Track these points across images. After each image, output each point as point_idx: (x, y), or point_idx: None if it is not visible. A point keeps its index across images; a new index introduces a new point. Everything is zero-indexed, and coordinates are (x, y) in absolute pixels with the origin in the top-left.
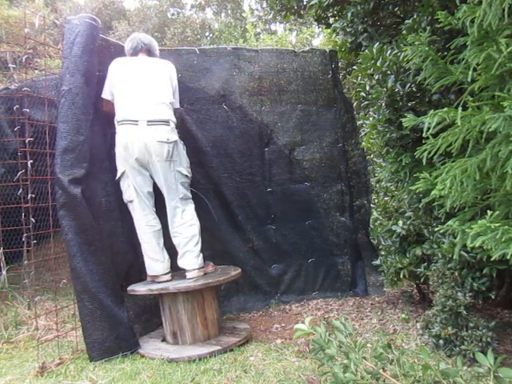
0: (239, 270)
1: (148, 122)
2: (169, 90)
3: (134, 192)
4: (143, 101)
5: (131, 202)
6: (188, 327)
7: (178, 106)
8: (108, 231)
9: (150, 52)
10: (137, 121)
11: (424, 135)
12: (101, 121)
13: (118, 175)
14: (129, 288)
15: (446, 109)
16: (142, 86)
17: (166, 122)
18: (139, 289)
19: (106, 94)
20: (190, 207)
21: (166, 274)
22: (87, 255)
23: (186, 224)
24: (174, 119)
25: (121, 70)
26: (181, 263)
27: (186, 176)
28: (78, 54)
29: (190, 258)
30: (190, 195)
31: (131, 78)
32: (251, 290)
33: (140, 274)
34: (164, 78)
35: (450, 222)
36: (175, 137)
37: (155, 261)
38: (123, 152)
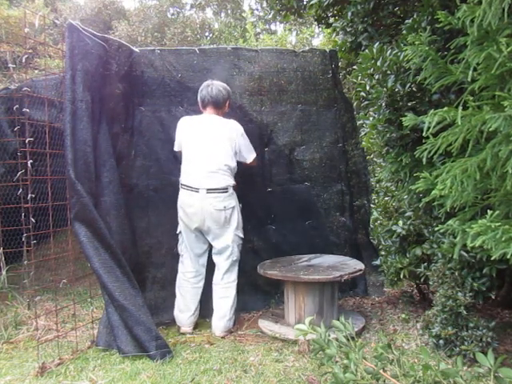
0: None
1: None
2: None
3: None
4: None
5: None
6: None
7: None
8: (117, 231)
9: (217, 105)
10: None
11: (424, 134)
12: (106, 122)
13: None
14: (261, 270)
15: (446, 108)
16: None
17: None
18: (271, 272)
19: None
20: None
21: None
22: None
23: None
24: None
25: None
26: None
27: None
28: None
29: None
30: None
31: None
32: (251, 290)
33: (141, 274)
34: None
35: (450, 222)
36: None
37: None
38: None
